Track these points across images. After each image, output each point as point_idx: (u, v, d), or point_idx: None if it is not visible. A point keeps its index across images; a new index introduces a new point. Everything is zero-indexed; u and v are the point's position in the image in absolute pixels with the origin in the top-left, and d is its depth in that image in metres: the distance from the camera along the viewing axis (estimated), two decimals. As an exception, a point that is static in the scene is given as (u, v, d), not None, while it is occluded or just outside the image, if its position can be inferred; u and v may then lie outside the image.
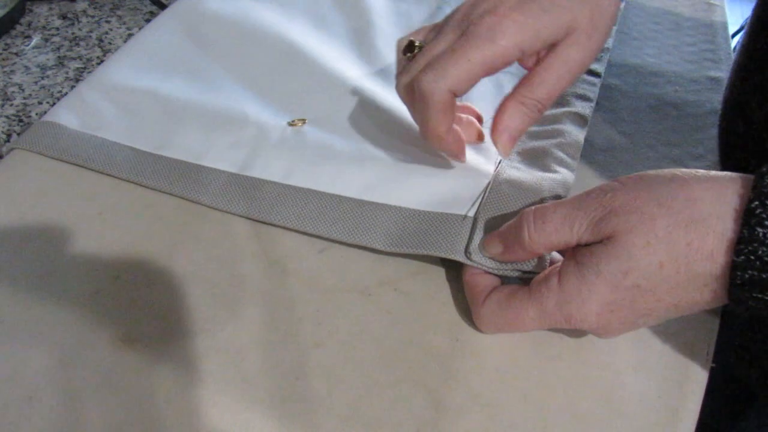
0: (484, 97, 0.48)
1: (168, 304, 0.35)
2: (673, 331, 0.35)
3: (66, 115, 0.44)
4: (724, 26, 0.56)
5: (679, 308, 0.29)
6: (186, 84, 0.47)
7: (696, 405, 0.33)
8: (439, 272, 0.37)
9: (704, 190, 0.28)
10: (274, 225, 0.38)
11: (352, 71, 0.48)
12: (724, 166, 0.44)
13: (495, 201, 0.36)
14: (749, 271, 0.26)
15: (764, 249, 0.26)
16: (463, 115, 0.42)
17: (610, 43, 0.49)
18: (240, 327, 0.34)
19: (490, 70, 0.34)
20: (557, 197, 0.37)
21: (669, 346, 0.35)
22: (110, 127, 0.43)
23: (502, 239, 0.33)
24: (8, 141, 0.48)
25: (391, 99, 0.45)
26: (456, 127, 0.38)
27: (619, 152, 0.45)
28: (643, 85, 0.50)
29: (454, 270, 0.37)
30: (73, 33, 0.58)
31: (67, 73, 0.54)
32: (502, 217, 0.35)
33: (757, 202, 0.26)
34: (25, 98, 0.51)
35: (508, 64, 0.34)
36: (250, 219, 0.39)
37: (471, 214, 0.36)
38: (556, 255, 0.35)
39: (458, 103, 0.38)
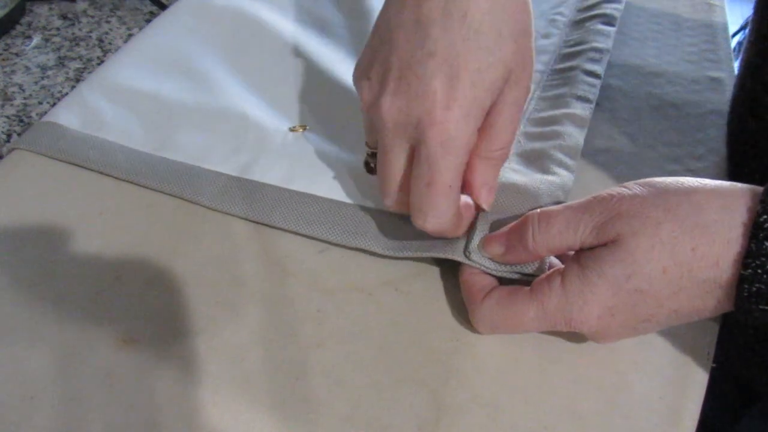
0: None
1: (168, 304, 0.35)
2: (674, 332, 0.35)
3: (66, 116, 0.44)
4: (725, 26, 0.56)
5: (681, 315, 0.29)
6: (187, 86, 0.47)
7: (697, 405, 0.33)
8: (441, 273, 0.37)
9: (712, 199, 0.28)
10: (274, 227, 0.38)
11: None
12: (732, 164, 0.44)
13: (494, 204, 0.36)
14: (756, 285, 0.26)
15: None
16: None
17: (609, 44, 0.49)
18: (240, 327, 0.34)
19: (467, 156, 0.33)
20: (557, 201, 0.37)
21: (670, 346, 0.35)
22: (110, 127, 0.43)
23: (504, 240, 0.33)
24: (8, 141, 0.48)
25: None
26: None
27: (620, 152, 0.45)
28: (643, 85, 0.50)
29: (455, 271, 0.37)
30: (73, 33, 0.58)
31: (67, 73, 0.54)
32: (501, 221, 0.35)
33: (765, 216, 0.26)
34: (25, 98, 0.51)
35: (474, 143, 0.33)
36: (250, 220, 0.39)
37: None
38: (554, 260, 0.35)
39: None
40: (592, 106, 0.44)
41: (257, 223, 0.39)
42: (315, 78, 0.47)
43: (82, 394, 0.31)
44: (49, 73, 0.54)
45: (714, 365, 0.34)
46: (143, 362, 0.33)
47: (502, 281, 0.34)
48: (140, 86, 0.46)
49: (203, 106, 0.45)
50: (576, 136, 0.41)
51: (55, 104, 0.47)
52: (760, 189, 0.28)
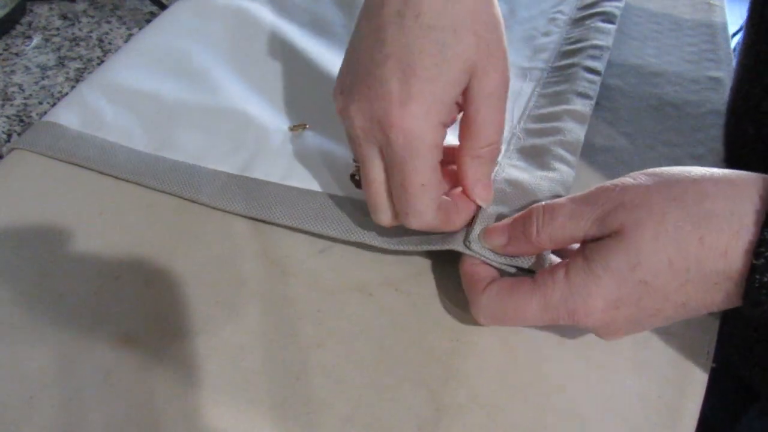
0: None
1: (168, 304, 0.35)
2: (674, 331, 0.35)
3: (66, 116, 0.44)
4: (724, 26, 0.56)
5: (688, 308, 0.29)
6: (187, 85, 0.47)
7: (696, 405, 0.33)
8: (441, 273, 0.37)
9: (720, 187, 0.27)
10: (274, 224, 0.38)
11: None
12: (730, 167, 0.44)
13: (495, 198, 0.36)
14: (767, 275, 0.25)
15: None
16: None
17: (609, 42, 0.49)
18: (240, 327, 0.34)
19: (439, 156, 0.32)
20: (557, 197, 0.36)
21: (669, 346, 0.35)
22: (110, 127, 0.43)
23: (507, 231, 0.33)
24: (8, 141, 0.48)
25: None
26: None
27: (619, 152, 0.45)
28: (643, 85, 0.50)
29: (455, 271, 0.37)
30: (73, 33, 0.58)
31: (67, 73, 0.54)
32: (501, 215, 0.35)
33: None
34: (25, 98, 0.51)
35: (443, 139, 0.32)
36: (250, 219, 0.39)
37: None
38: (554, 258, 0.35)
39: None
40: (593, 102, 0.44)
41: (257, 221, 0.39)
42: (315, 77, 0.47)
43: (81, 394, 0.31)
44: (49, 73, 0.54)
45: (714, 365, 0.34)
46: (143, 362, 0.33)
47: (504, 273, 0.34)
48: (140, 86, 0.46)
49: (203, 105, 0.45)
50: (577, 132, 0.41)
51: (55, 104, 0.47)
52: None
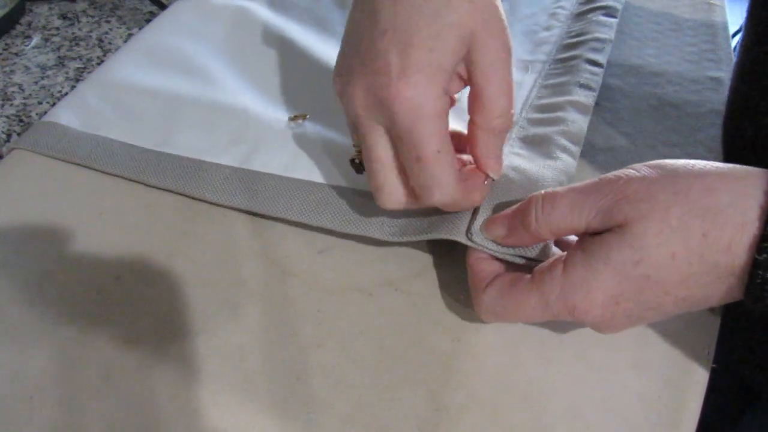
0: None
1: (168, 304, 0.35)
2: (674, 331, 0.35)
3: (66, 115, 0.44)
4: (725, 26, 0.56)
5: (688, 303, 0.28)
6: (186, 82, 0.47)
7: (697, 405, 0.33)
8: (441, 273, 0.37)
9: (725, 181, 0.27)
10: (276, 218, 0.38)
11: None
12: None
13: (497, 187, 0.36)
14: None
15: None
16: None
17: (611, 35, 0.49)
18: (240, 327, 0.34)
19: (447, 125, 0.32)
20: (560, 185, 0.36)
21: (669, 346, 0.35)
22: (111, 126, 0.43)
23: (507, 221, 0.33)
24: (8, 141, 0.48)
25: None
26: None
27: (620, 152, 0.45)
28: (643, 85, 0.50)
29: (455, 270, 0.37)
30: (73, 33, 0.58)
31: (67, 73, 0.54)
32: (503, 204, 0.35)
33: None
34: (25, 98, 0.51)
35: (450, 105, 0.32)
36: (251, 216, 0.39)
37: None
38: (555, 249, 0.34)
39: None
40: (595, 93, 0.44)
41: (258, 221, 0.39)
42: (314, 69, 0.47)
43: (81, 394, 0.31)
44: (49, 72, 0.54)
45: (714, 365, 0.34)
46: (143, 362, 0.33)
47: (509, 268, 0.34)
48: (140, 85, 0.46)
49: (203, 102, 0.45)
50: (579, 122, 0.41)
51: (54, 104, 0.47)
52: None
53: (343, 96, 0.33)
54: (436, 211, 0.36)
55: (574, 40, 0.49)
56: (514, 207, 0.33)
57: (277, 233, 0.39)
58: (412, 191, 0.33)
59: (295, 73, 0.48)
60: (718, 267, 0.27)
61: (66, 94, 0.49)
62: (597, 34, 0.48)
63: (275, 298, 0.36)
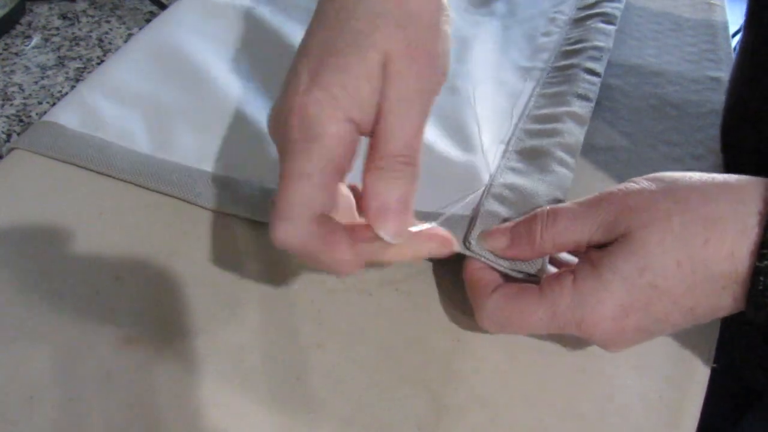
0: (478, 65, 0.48)
1: (168, 305, 0.35)
2: (674, 332, 0.35)
3: (66, 115, 0.44)
4: (725, 26, 0.56)
5: (696, 314, 0.28)
6: (186, 86, 0.47)
7: (697, 405, 0.33)
8: (441, 273, 0.37)
9: (723, 190, 0.28)
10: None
11: None
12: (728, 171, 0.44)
13: (492, 203, 0.37)
14: None
15: None
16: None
17: (610, 43, 0.49)
18: (240, 327, 0.34)
19: (341, 169, 0.27)
20: (555, 200, 0.37)
21: (670, 346, 0.35)
22: (109, 127, 0.43)
23: (509, 233, 0.32)
24: (8, 141, 0.47)
25: None
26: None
27: (620, 152, 0.45)
28: (643, 85, 0.50)
29: (455, 271, 0.37)
30: (73, 33, 0.58)
31: (67, 73, 0.54)
32: (499, 216, 0.35)
33: None
34: (25, 98, 0.51)
35: (353, 146, 0.28)
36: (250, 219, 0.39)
37: (467, 213, 0.36)
38: (551, 268, 0.34)
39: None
40: (592, 104, 0.44)
41: (257, 222, 0.39)
42: None
43: (81, 394, 0.31)
44: (49, 72, 0.54)
45: (714, 365, 0.34)
46: (143, 362, 0.33)
47: (508, 278, 0.34)
48: (139, 86, 0.46)
49: (202, 107, 0.45)
50: (576, 134, 0.41)
51: (54, 104, 0.47)
52: None
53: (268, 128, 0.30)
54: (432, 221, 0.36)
55: (573, 47, 0.49)
56: (518, 220, 0.33)
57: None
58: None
59: None
60: (722, 275, 0.27)
61: (66, 94, 0.49)
62: (595, 42, 0.48)
63: (275, 298, 0.36)
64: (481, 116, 0.44)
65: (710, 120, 0.47)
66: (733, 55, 0.52)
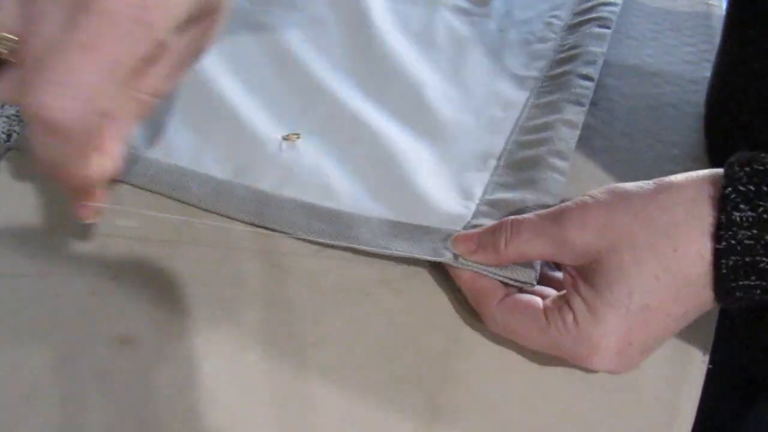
0: (474, 71, 0.48)
1: (166, 304, 0.35)
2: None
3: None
4: (723, 26, 0.56)
5: (688, 316, 0.29)
6: (182, 87, 0.47)
7: (693, 406, 0.33)
8: (439, 273, 0.37)
9: (675, 195, 0.29)
10: (264, 228, 0.38)
11: (347, 82, 0.48)
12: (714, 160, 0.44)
13: (480, 219, 0.37)
14: (732, 257, 0.26)
15: (744, 232, 0.26)
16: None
17: (604, 47, 0.48)
18: (238, 326, 0.34)
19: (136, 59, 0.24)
20: (545, 206, 0.37)
21: (665, 347, 0.34)
22: None
23: (477, 238, 0.34)
24: (8, 141, 0.48)
25: (385, 114, 0.45)
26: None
27: (618, 152, 0.45)
28: (642, 85, 0.50)
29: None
30: (73, 33, 0.59)
31: (67, 73, 0.54)
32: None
33: (730, 188, 0.27)
34: (25, 98, 0.51)
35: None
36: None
37: (459, 228, 0.37)
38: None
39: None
40: (585, 109, 0.44)
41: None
42: (310, 86, 0.47)
43: (79, 394, 0.31)
44: (49, 73, 0.54)
45: (710, 366, 0.34)
46: (141, 362, 0.33)
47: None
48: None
49: (198, 107, 0.45)
50: (567, 139, 0.41)
51: (54, 104, 0.47)
52: (721, 169, 0.28)
53: None
54: (422, 232, 0.37)
55: (567, 54, 0.49)
56: (486, 227, 0.34)
57: (275, 233, 0.39)
58: None
59: (291, 89, 0.47)
60: (699, 276, 0.28)
61: (65, 94, 0.49)
62: (590, 48, 0.48)
63: (273, 298, 0.36)
64: (474, 129, 0.44)
65: (708, 120, 0.47)
66: None
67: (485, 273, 0.34)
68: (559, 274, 0.35)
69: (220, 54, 0.50)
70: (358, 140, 0.43)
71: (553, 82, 0.47)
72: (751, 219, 0.26)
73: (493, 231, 0.33)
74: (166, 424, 0.31)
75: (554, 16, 0.53)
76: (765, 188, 0.26)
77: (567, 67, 0.47)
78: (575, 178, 0.41)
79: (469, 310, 0.35)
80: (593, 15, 0.51)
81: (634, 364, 0.30)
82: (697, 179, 0.29)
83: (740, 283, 0.27)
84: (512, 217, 0.33)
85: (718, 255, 0.27)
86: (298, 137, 0.43)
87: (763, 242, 0.26)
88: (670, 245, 0.28)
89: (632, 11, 0.57)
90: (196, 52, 0.30)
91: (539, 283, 0.34)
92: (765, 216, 0.26)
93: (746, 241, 0.26)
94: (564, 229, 0.30)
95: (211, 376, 0.32)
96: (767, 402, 0.51)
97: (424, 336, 0.35)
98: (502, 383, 0.33)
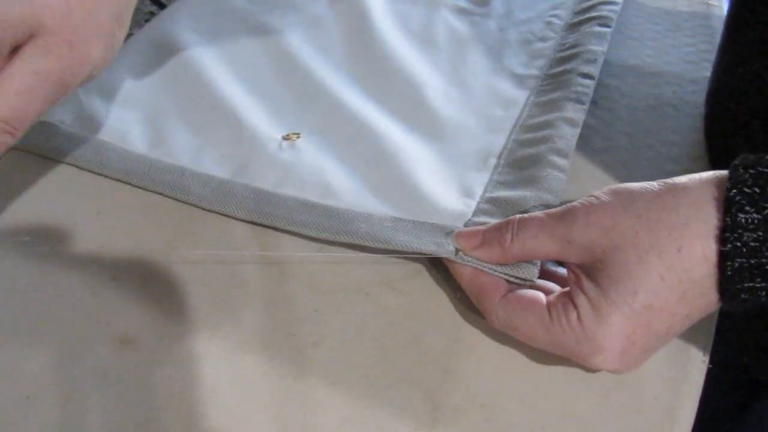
0: (474, 70, 0.48)
1: (166, 305, 0.35)
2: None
3: (60, 114, 0.44)
4: (723, 26, 0.56)
5: (692, 317, 0.29)
6: (183, 86, 0.47)
7: (693, 405, 0.33)
8: (438, 273, 0.37)
9: (678, 197, 0.29)
10: (263, 225, 0.38)
11: (347, 82, 0.48)
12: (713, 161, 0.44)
13: (480, 217, 0.37)
14: (738, 260, 0.26)
15: (749, 234, 0.26)
16: None
17: (605, 46, 0.48)
18: (238, 327, 0.34)
19: None
20: (545, 204, 0.37)
21: (666, 346, 0.35)
22: (104, 126, 0.43)
23: (482, 234, 0.34)
24: (8, 141, 0.48)
25: (385, 113, 0.45)
26: None
27: (618, 152, 0.45)
28: (642, 85, 0.50)
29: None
30: (72, 33, 0.58)
31: (66, 73, 0.54)
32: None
33: (735, 191, 0.27)
34: (24, 98, 0.51)
35: None
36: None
37: (460, 225, 0.37)
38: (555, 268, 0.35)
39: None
40: (586, 107, 0.44)
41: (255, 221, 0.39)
42: (309, 85, 0.47)
43: (79, 394, 0.31)
44: (49, 72, 0.54)
45: (710, 366, 0.34)
46: (140, 362, 0.33)
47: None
48: (136, 86, 0.46)
49: (198, 107, 0.45)
50: (568, 137, 0.41)
51: (54, 104, 0.47)
52: (725, 171, 0.28)
53: None
54: (422, 230, 0.36)
55: (568, 53, 0.49)
56: (492, 224, 0.34)
57: (275, 233, 0.39)
58: None
59: (291, 89, 0.47)
60: (703, 277, 0.28)
61: (65, 94, 0.49)
62: (590, 47, 0.48)
63: (273, 298, 0.36)
64: (474, 128, 0.44)
65: (708, 120, 0.47)
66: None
67: (486, 270, 0.34)
68: (561, 270, 0.35)
69: (220, 54, 0.50)
70: (358, 139, 0.43)
71: (553, 81, 0.47)
72: (756, 221, 0.26)
73: (499, 228, 0.33)
74: (166, 424, 0.31)
75: (554, 16, 0.54)
76: None
77: (567, 66, 0.47)
78: (575, 177, 0.41)
79: (470, 310, 0.35)
80: (593, 14, 0.52)
81: (637, 365, 0.31)
82: (701, 181, 0.29)
83: (745, 285, 0.27)
84: (519, 215, 0.33)
85: (723, 257, 0.27)
86: (298, 137, 0.43)
87: None
88: (674, 246, 0.28)
89: (632, 11, 0.57)
90: (49, 81, 0.29)
91: (540, 277, 0.34)
92: None
93: (751, 243, 0.26)
94: (570, 228, 0.30)
95: (211, 376, 0.32)
96: (767, 402, 0.51)
97: (424, 336, 0.35)
98: (502, 383, 0.33)
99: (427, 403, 0.32)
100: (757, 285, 0.26)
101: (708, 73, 0.49)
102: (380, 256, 0.37)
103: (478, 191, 0.40)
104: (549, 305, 0.31)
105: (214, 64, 0.49)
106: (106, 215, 0.39)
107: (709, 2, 0.58)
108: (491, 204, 0.38)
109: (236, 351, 0.33)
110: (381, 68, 0.49)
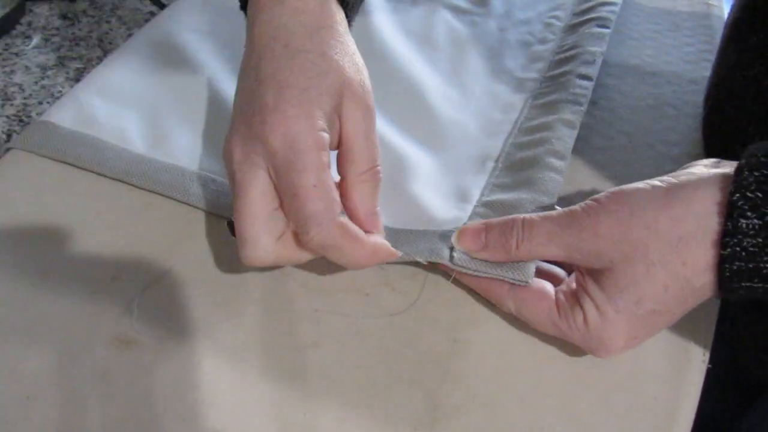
0: (473, 72, 0.48)
1: (166, 305, 0.35)
2: (670, 332, 0.35)
3: (60, 114, 0.44)
4: (723, 27, 0.56)
5: (688, 311, 0.31)
6: (183, 86, 0.47)
7: (692, 406, 0.33)
8: (438, 273, 0.37)
9: (685, 206, 0.29)
10: None
11: None
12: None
13: (477, 219, 0.37)
14: (736, 263, 0.27)
15: (749, 240, 0.27)
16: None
17: (603, 47, 0.48)
18: (238, 327, 0.34)
19: (324, 157, 0.31)
20: (542, 206, 0.37)
21: (665, 346, 0.35)
22: (104, 126, 0.43)
23: (484, 236, 0.33)
24: (8, 141, 0.48)
25: (384, 117, 0.45)
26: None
27: (618, 152, 0.45)
28: (641, 85, 0.50)
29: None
30: (73, 33, 0.59)
31: (67, 73, 0.54)
32: None
33: (738, 195, 0.27)
34: (25, 98, 0.51)
35: (327, 147, 0.32)
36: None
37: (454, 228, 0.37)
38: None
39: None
40: (583, 109, 0.44)
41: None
42: None
43: (79, 394, 0.31)
44: (49, 73, 0.54)
45: (710, 365, 0.34)
46: (140, 362, 0.33)
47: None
48: (136, 86, 0.46)
49: (198, 107, 0.45)
50: (566, 138, 0.41)
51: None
52: (731, 173, 0.28)
53: (225, 154, 0.33)
54: (418, 236, 0.36)
55: (567, 54, 0.49)
56: (490, 221, 0.34)
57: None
58: (285, 244, 0.32)
59: None
60: (705, 285, 0.29)
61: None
62: (589, 48, 0.48)
63: (273, 298, 0.36)
64: (473, 132, 0.44)
65: (708, 120, 0.47)
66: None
67: (481, 275, 0.34)
68: (557, 270, 0.35)
69: (220, 54, 0.50)
70: None
71: (552, 83, 0.47)
72: (757, 227, 0.27)
73: (503, 231, 0.33)
74: (166, 424, 0.31)
75: (554, 17, 0.53)
76: None
77: (566, 68, 0.47)
78: (574, 177, 0.41)
79: (470, 310, 0.35)
80: (593, 15, 0.51)
81: (632, 347, 0.32)
82: (707, 183, 0.29)
83: (743, 284, 0.28)
84: (521, 216, 0.33)
85: (722, 260, 0.28)
86: None
87: (767, 250, 0.27)
88: (680, 259, 0.29)
89: (632, 11, 0.57)
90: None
91: (536, 274, 0.34)
92: None
93: (750, 249, 0.27)
94: (578, 238, 0.31)
95: (211, 376, 0.32)
96: (767, 402, 0.51)
97: (424, 336, 0.35)
98: (502, 383, 0.33)
99: (427, 403, 0.32)
100: (755, 285, 0.27)
101: (707, 73, 0.49)
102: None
103: (475, 195, 0.40)
104: (558, 303, 0.32)
105: (214, 64, 0.49)
106: (106, 215, 0.39)
107: (709, 2, 0.58)
108: (487, 208, 0.38)
109: (236, 351, 0.33)
110: (380, 68, 0.49)
